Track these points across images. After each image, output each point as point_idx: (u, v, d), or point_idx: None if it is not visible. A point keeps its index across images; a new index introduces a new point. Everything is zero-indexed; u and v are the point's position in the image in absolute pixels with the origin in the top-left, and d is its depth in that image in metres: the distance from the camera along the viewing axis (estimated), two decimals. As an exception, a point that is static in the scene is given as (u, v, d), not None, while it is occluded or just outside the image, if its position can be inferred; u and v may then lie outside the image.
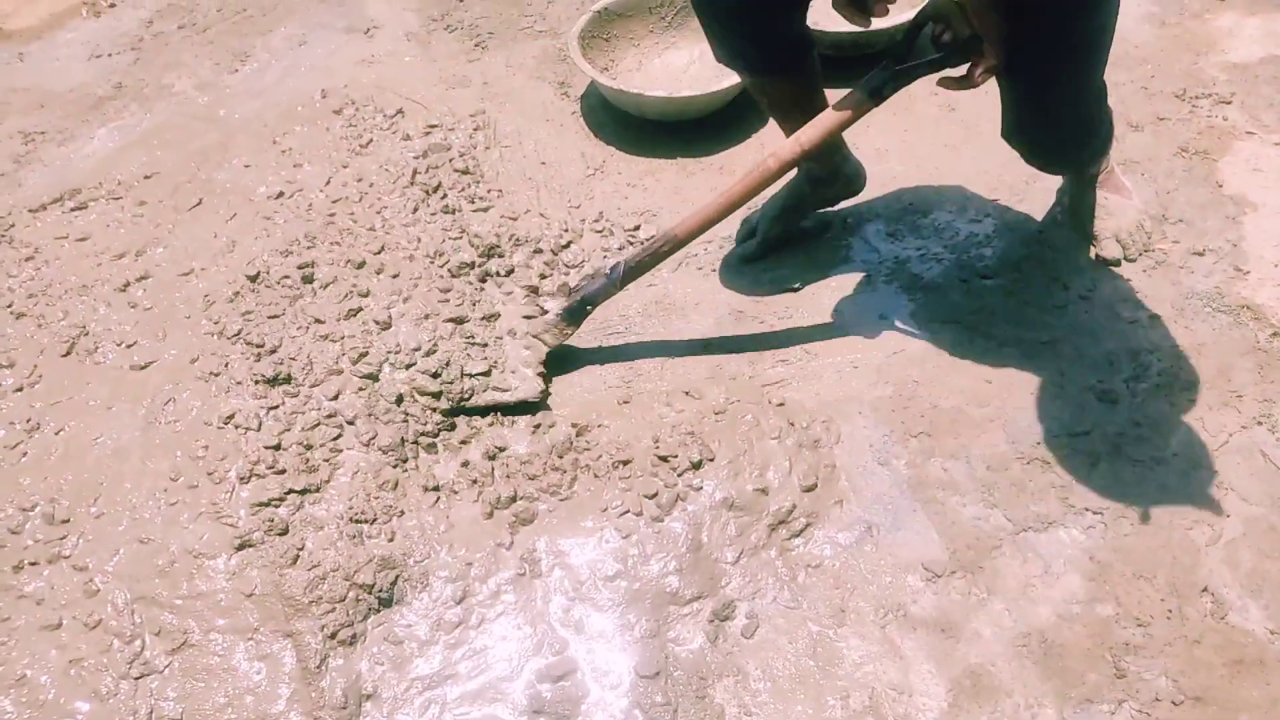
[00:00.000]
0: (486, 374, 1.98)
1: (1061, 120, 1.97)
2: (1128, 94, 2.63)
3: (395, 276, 2.15)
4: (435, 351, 1.99)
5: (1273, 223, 2.25)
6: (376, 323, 2.04)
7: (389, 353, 1.98)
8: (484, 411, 1.97)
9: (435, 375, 1.95)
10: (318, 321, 2.05)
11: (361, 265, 2.18)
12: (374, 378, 1.95)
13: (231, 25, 3.13)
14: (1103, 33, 1.78)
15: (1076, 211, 2.26)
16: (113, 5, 3.25)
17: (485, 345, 2.02)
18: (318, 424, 1.87)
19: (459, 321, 2.05)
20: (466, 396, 1.96)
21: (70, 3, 3.26)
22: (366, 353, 1.98)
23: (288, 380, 1.94)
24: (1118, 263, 2.19)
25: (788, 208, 2.25)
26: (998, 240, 2.27)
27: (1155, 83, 2.67)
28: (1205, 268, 2.17)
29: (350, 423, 1.89)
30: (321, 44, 3.03)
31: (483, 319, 2.08)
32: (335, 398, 1.91)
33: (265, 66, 2.95)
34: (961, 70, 1.72)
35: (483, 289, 2.16)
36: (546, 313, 2.08)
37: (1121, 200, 2.21)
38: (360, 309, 2.07)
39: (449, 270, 2.18)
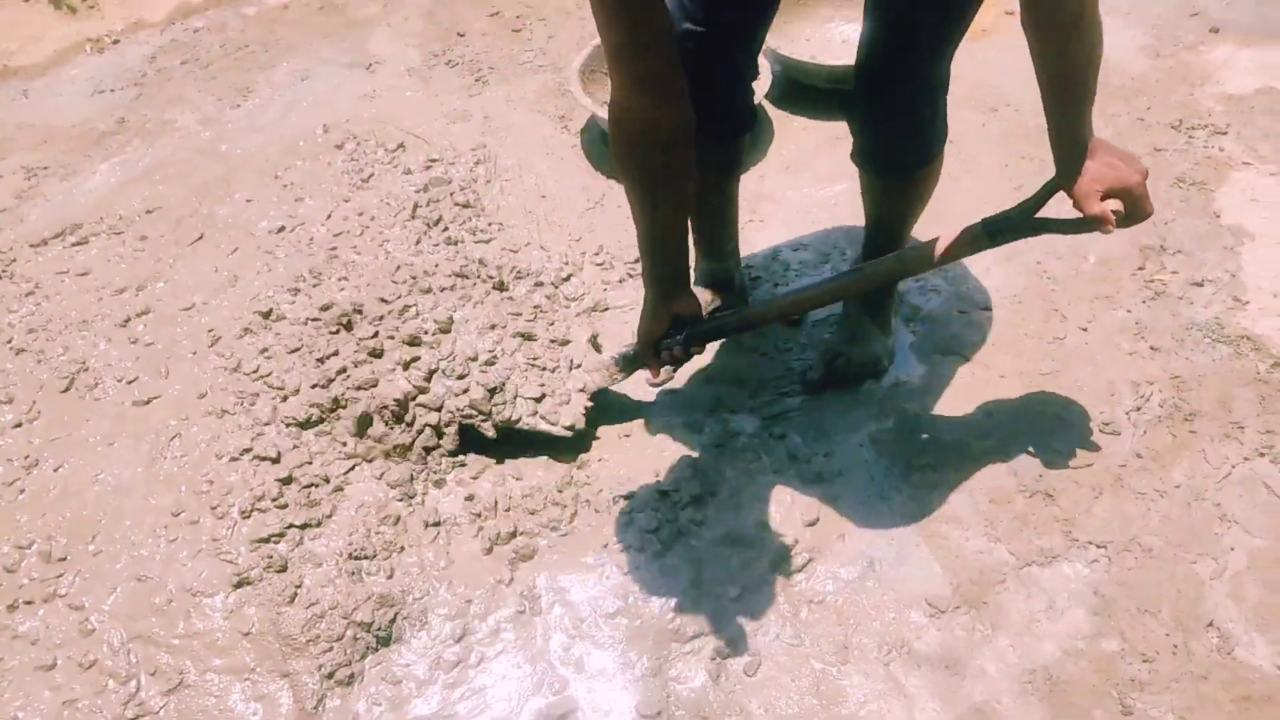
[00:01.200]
0: (539, 400, 1.92)
1: (914, 74, 1.71)
2: (1124, 125, 2.65)
3: (458, 277, 2.10)
4: (495, 364, 1.93)
5: (1271, 253, 2.26)
6: (436, 323, 1.98)
7: (441, 360, 1.92)
8: (528, 438, 1.92)
9: (492, 391, 1.89)
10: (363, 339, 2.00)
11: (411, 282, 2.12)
12: (423, 389, 1.89)
13: (234, 61, 3.16)
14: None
15: (874, 298, 2.06)
16: (116, 42, 3.28)
17: (544, 370, 1.96)
18: (336, 459, 1.86)
19: (527, 338, 1.99)
20: (514, 420, 1.90)
21: (75, 40, 3.29)
22: (418, 357, 1.91)
23: (319, 423, 1.91)
24: (816, 385, 2.05)
25: None
26: (997, 272, 2.27)
27: (1151, 114, 2.68)
28: (1204, 298, 2.17)
29: (369, 460, 1.88)
30: (324, 79, 3.05)
31: (552, 341, 2.01)
32: (361, 432, 1.89)
33: (268, 102, 2.97)
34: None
35: (556, 310, 2.09)
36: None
37: None
38: (414, 305, 2.01)
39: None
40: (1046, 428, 1.95)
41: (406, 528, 1.82)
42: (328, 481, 1.85)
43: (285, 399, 1.94)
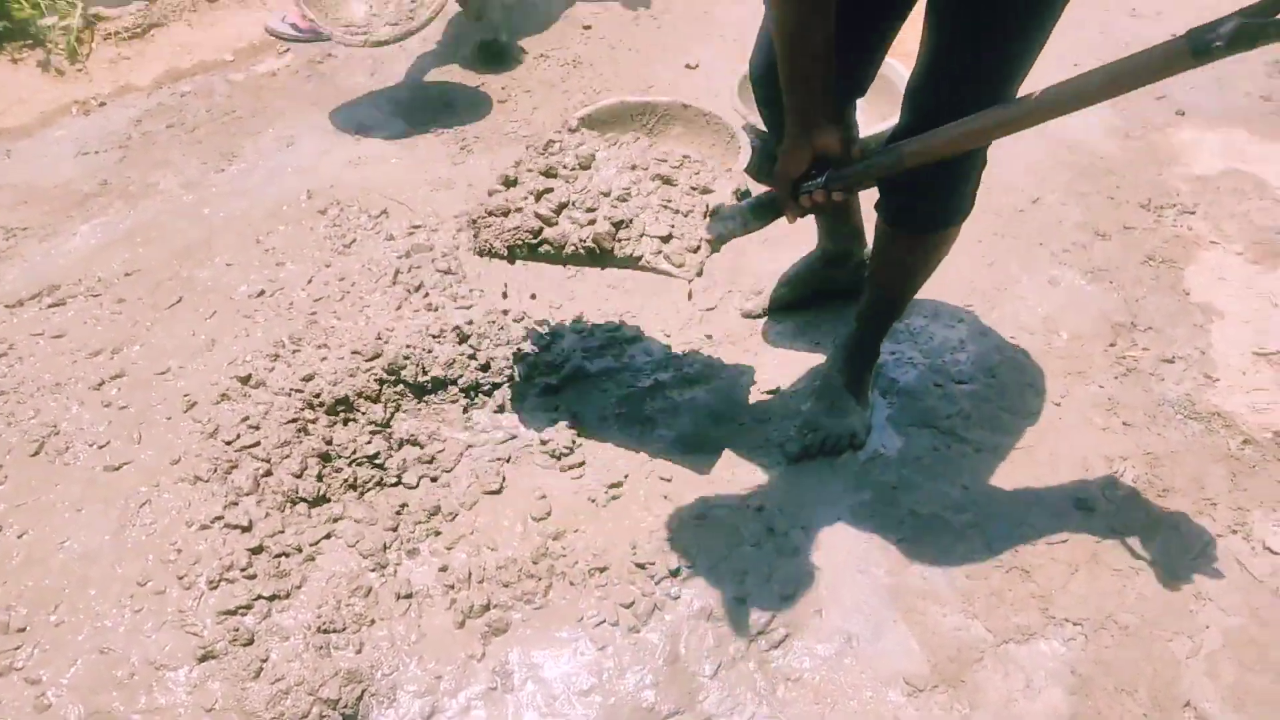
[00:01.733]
0: (666, 239, 1.81)
1: (966, 90, 1.60)
2: (1095, 203, 2.71)
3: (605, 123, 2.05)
4: (627, 200, 1.84)
5: (1239, 331, 2.30)
6: (577, 158, 1.91)
7: (575, 193, 1.85)
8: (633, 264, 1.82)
9: (618, 225, 1.80)
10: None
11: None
12: (550, 221, 1.83)
13: (220, 125, 3.19)
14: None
15: (857, 353, 2.14)
16: (103, 105, 3.30)
17: (677, 213, 1.85)
18: (309, 528, 1.84)
19: (667, 181, 1.90)
20: (636, 257, 1.80)
21: (61, 102, 3.31)
22: (551, 189, 1.86)
23: (324, 500, 1.91)
24: (794, 457, 2.08)
25: (797, 277, 2.42)
26: (972, 345, 2.30)
27: (1121, 193, 2.75)
28: (1175, 375, 2.20)
29: (357, 520, 1.86)
30: (309, 145, 3.08)
31: (692, 189, 1.90)
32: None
33: (252, 166, 2.99)
34: None
35: (702, 162, 1.98)
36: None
37: None
38: (559, 140, 1.97)
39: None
40: (1022, 502, 1.96)
41: (378, 599, 1.79)
42: (299, 551, 1.83)
43: (269, 473, 1.92)
